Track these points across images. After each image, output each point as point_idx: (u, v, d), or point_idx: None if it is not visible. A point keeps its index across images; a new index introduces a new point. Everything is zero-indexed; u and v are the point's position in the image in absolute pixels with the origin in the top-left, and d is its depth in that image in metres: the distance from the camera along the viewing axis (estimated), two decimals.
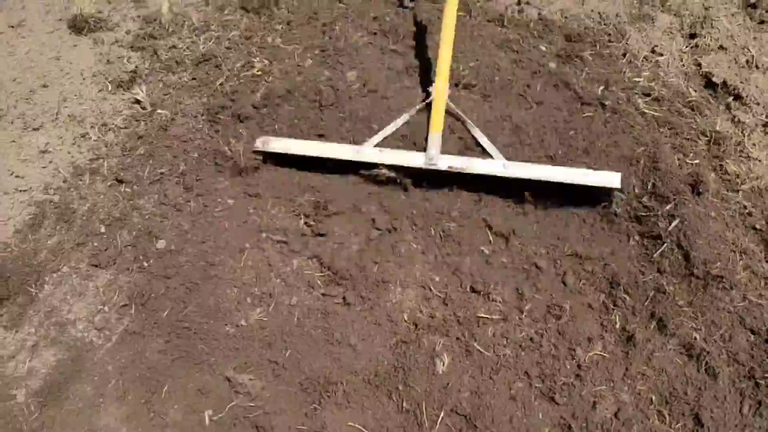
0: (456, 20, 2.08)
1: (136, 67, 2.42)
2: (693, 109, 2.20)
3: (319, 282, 1.98)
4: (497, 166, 1.95)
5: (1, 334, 1.92)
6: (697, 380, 1.77)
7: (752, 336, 1.83)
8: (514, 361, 1.84)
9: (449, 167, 1.94)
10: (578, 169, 1.94)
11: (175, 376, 1.86)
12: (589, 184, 1.91)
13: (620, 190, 1.94)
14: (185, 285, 1.97)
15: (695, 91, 2.26)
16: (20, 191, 2.15)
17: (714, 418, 1.71)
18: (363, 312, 1.92)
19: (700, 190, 1.99)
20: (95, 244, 2.06)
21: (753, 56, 2.35)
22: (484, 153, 2.02)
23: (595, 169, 1.96)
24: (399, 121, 2.07)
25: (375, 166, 2.02)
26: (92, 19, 2.53)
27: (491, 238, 2.02)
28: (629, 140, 2.08)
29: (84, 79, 2.41)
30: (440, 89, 2.01)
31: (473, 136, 2.05)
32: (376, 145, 2.03)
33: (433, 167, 1.95)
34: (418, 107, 2.09)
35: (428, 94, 2.06)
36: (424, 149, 1.99)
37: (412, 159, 1.97)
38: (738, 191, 2.04)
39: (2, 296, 1.95)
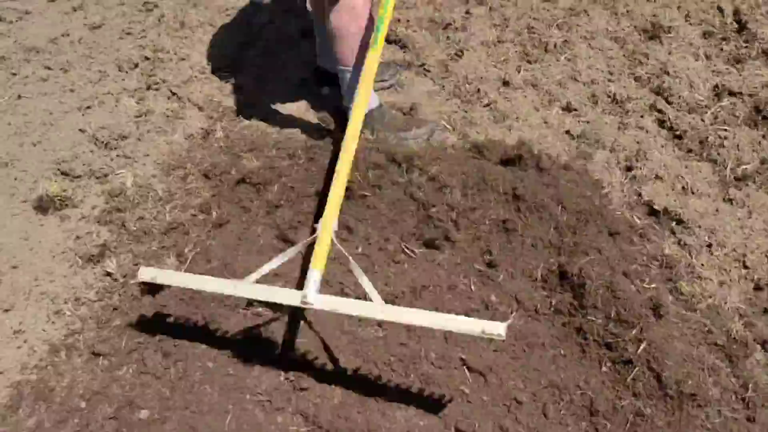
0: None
1: (105, 240, 2.62)
2: (641, 237, 2.52)
3: None
4: (373, 309, 1.98)
5: None
6: None
7: None
8: None
9: (322, 305, 1.99)
10: (462, 318, 1.93)
11: None
12: (474, 334, 1.87)
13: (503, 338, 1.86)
14: None
15: (640, 219, 2.59)
16: None
17: None
18: None
19: (661, 312, 2.26)
20: (76, 420, 2.14)
21: (687, 183, 2.72)
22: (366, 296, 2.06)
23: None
24: (285, 255, 2.16)
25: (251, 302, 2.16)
26: (57, 198, 2.74)
27: (469, 377, 2.23)
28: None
29: (54, 256, 2.60)
30: (327, 226, 2.13)
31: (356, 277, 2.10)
32: (257, 281, 2.10)
33: (307, 306, 2.01)
34: (305, 242, 2.21)
35: (315, 230, 2.16)
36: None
37: (288, 297, 2.04)
38: (696, 310, 2.31)
39: None
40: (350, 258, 2.12)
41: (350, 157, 2.29)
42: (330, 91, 3.00)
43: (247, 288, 2.09)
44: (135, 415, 2.14)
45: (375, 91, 2.84)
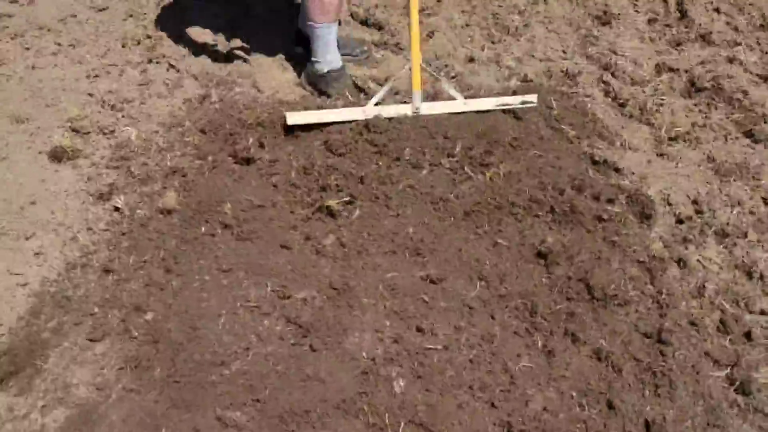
0: None
1: (113, 181, 3.02)
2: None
3: (289, 335, 2.54)
4: (459, 105, 2.98)
5: (14, 400, 2.36)
6: (606, 376, 2.39)
7: (646, 339, 2.48)
8: (458, 378, 2.42)
9: (429, 109, 2.93)
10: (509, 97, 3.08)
11: (170, 421, 2.33)
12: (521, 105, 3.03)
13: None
14: (172, 347, 2.47)
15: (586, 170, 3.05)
16: (20, 286, 2.65)
17: (623, 401, 2.31)
18: (328, 354, 2.49)
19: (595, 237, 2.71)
20: (90, 322, 2.55)
21: (626, 140, 3.20)
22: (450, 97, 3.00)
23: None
24: (388, 84, 3.02)
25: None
26: (69, 149, 3.18)
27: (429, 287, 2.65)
28: None
29: (68, 195, 3.00)
30: (415, 56, 2.91)
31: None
32: (375, 104, 2.93)
33: (418, 113, 2.92)
34: (400, 73, 3.04)
35: (407, 62, 2.96)
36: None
37: (403, 110, 2.93)
38: (626, 234, 2.77)
39: (12, 371, 2.41)
40: (437, 76, 3.11)
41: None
42: (303, 51, 3.52)
43: (371, 110, 2.94)
44: (142, 317, 2.54)
45: (342, 61, 3.40)
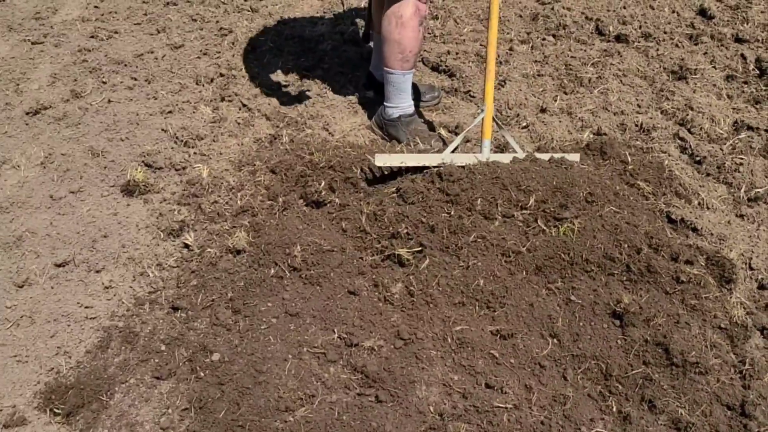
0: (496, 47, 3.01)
1: (184, 218, 3.07)
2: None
3: (355, 384, 2.51)
4: (520, 155, 2.93)
5: None
6: None
7: (728, 411, 2.38)
8: None
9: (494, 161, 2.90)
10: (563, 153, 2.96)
11: None
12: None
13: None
14: (238, 390, 2.46)
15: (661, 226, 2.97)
16: (89, 319, 2.68)
17: None
18: (394, 406, 2.44)
19: (673, 299, 2.63)
20: (156, 360, 2.56)
21: (703, 199, 3.11)
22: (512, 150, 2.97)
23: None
24: (463, 134, 3.04)
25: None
26: (142, 184, 3.23)
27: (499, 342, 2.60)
28: None
29: (139, 229, 3.04)
30: (488, 107, 2.92)
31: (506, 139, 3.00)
32: (452, 152, 2.95)
33: (488, 161, 2.88)
34: (475, 122, 3.00)
35: (481, 111, 2.97)
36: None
37: (477, 158, 2.92)
38: (705, 298, 2.68)
39: (78, 404, 2.42)
40: (502, 127, 3.06)
41: (494, 38, 3.03)
42: (374, 95, 3.59)
43: (448, 157, 2.93)
44: (207, 357, 2.53)
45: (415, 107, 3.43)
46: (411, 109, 3.36)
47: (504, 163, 2.94)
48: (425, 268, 2.72)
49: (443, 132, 3.44)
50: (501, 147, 3.30)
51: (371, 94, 3.60)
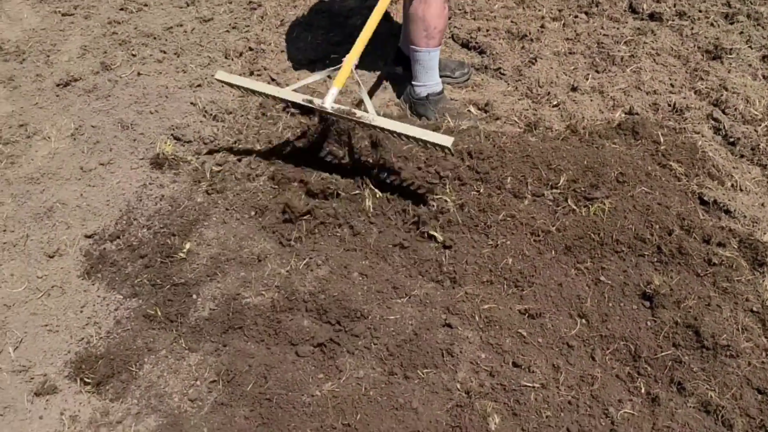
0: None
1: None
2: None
3: (383, 359, 2.51)
4: (367, 118, 2.69)
5: (109, 404, 2.38)
6: (715, 431, 2.27)
7: (759, 395, 2.35)
8: (555, 419, 2.34)
9: (333, 110, 2.73)
10: (425, 130, 2.65)
11: None
12: (433, 141, 2.60)
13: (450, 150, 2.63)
14: (265, 364, 2.49)
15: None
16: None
17: None
18: (421, 383, 2.44)
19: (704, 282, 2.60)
20: (185, 331, 2.60)
21: (737, 181, 3.06)
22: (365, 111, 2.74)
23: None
24: (316, 75, 2.96)
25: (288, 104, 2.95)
26: (171, 157, 3.24)
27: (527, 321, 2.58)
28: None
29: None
30: (350, 58, 2.85)
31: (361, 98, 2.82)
32: (295, 90, 2.85)
33: (323, 109, 2.75)
34: (333, 69, 2.93)
35: (341, 61, 2.88)
36: None
37: (313, 102, 2.77)
38: (738, 281, 2.64)
39: (108, 374, 2.45)
40: (360, 83, 2.89)
41: (381, 11, 2.98)
42: (403, 71, 3.55)
43: (286, 92, 2.83)
44: (240, 330, 2.54)
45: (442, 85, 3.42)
46: (439, 87, 3.32)
47: (350, 119, 2.79)
48: (454, 246, 2.69)
49: (473, 109, 3.41)
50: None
51: (400, 69, 3.57)
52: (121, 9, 4.11)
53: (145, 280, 2.66)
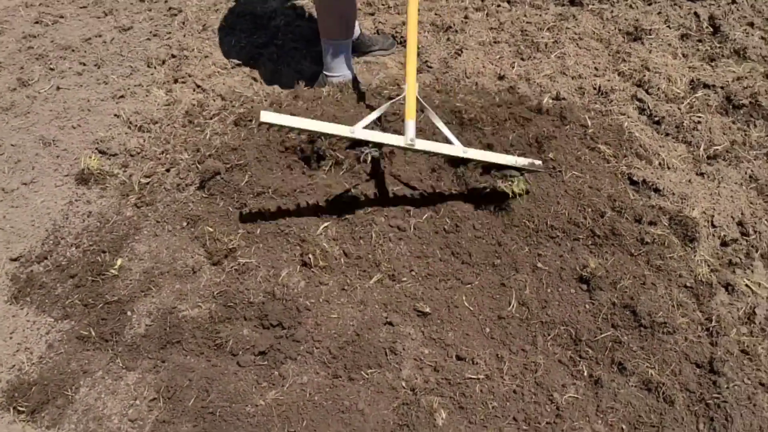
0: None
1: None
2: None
3: (326, 362, 2.46)
4: (457, 150, 2.59)
5: None
6: (657, 408, 2.30)
7: (697, 368, 2.39)
8: (501, 410, 2.33)
9: (422, 148, 2.56)
10: (515, 156, 2.68)
11: None
12: (525, 166, 2.67)
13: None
14: (206, 377, 2.42)
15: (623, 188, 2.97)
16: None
17: None
18: (366, 384, 2.40)
19: (638, 260, 2.63)
20: (121, 350, 2.51)
21: (664, 159, 3.11)
22: (447, 140, 2.64)
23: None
24: (380, 110, 2.69)
25: (363, 144, 2.67)
26: (96, 172, 3.13)
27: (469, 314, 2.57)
28: None
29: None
30: (410, 85, 2.63)
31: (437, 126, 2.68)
32: (364, 128, 2.56)
33: (411, 147, 2.53)
34: (394, 100, 2.76)
35: (402, 90, 2.70)
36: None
37: (395, 140, 2.54)
38: (670, 258, 2.68)
39: (42, 401, 2.34)
40: (430, 110, 2.70)
41: (415, 22, 2.78)
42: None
43: (360, 132, 2.51)
44: (178, 344, 2.46)
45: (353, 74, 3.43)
46: (350, 77, 3.32)
47: (439, 154, 2.66)
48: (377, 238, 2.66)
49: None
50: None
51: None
52: (36, 22, 3.97)
53: (77, 300, 2.55)
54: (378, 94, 3.23)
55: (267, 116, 2.42)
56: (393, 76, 3.56)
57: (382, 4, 4.13)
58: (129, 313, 2.54)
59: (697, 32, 3.82)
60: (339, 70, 3.31)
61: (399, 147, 2.58)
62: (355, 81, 3.37)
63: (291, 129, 2.55)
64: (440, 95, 3.16)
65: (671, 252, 2.60)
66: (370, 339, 2.42)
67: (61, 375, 2.38)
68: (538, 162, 2.71)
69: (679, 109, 3.32)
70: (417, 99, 2.66)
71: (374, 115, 2.65)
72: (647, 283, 2.50)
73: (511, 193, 2.69)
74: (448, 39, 3.85)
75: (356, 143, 2.78)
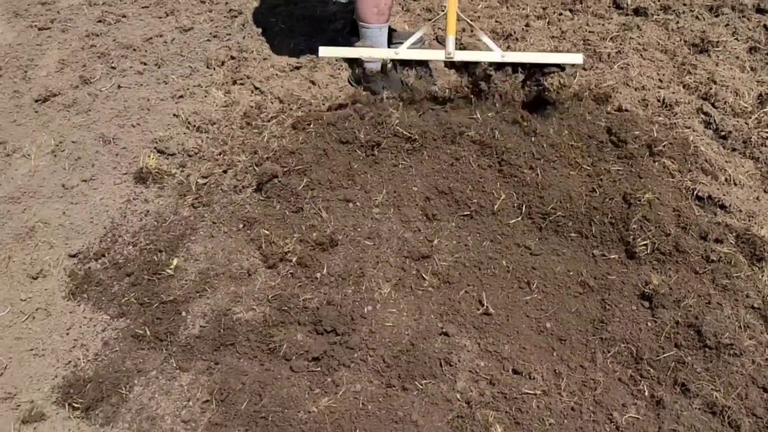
0: None
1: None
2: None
3: (380, 371, 2.44)
4: (496, 56, 2.80)
5: (99, 429, 2.27)
6: None
7: (765, 393, 2.30)
8: (559, 427, 2.28)
9: (461, 59, 2.82)
10: (552, 53, 2.91)
11: None
12: (564, 61, 2.86)
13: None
14: (259, 381, 2.42)
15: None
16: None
17: None
18: (420, 395, 2.37)
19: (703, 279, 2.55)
20: (176, 350, 2.52)
21: (730, 175, 3.01)
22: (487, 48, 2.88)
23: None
24: (424, 28, 2.99)
25: (409, 63, 2.90)
26: (155, 171, 3.16)
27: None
28: None
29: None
30: (452, 2, 2.85)
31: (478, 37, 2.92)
32: (409, 47, 2.87)
33: (450, 59, 2.80)
34: (437, 17, 3.07)
35: (444, 8, 2.91)
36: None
37: (436, 55, 2.85)
38: (737, 277, 2.60)
39: (97, 398, 2.36)
40: (472, 24, 3.03)
41: None
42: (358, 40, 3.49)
43: (405, 52, 2.87)
44: (231, 346, 2.47)
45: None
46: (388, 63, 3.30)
47: (480, 62, 2.89)
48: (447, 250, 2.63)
49: None
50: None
51: (356, 40, 3.51)
52: (99, 21, 4.03)
53: (133, 298, 2.57)
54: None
55: (324, 51, 2.97)
56: (452, 82, 3.52)
57: (441, 10, 4.09)
58: (184, 313, 2.54)
59: (766, 45, 3.70)
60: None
61: (440, 60, 2.86)
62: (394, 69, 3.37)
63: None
64: None
65: (738, 271, 2.52)
66: (424, 349, 2.39)
67: (116, 373, 2.38)
68: (578, 56, 2.85)
69: (747, 123, 3.22)
70: (457, 14, 2.88)
71: (416, 35, 2.96)
72: (712, 303, 2.42)
73: (558, 87, 2.86)
74: (508, 47, 3.80)
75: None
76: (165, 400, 2.32)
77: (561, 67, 2.89)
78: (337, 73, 3.64)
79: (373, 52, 2.95)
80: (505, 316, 2.48)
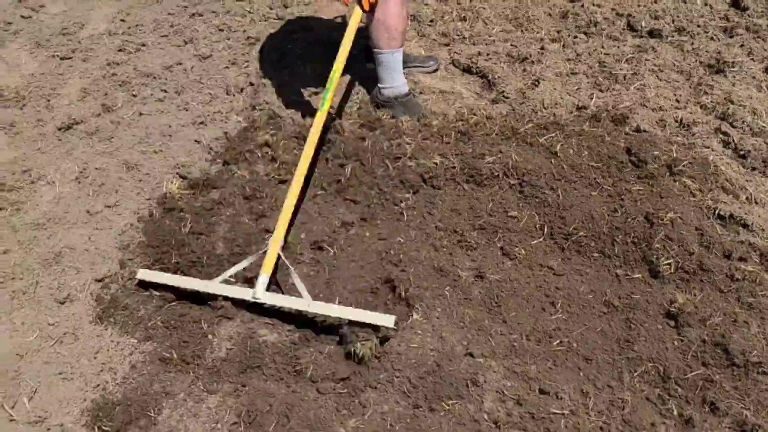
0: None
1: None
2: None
3: (406, 392, 2.45)
4: (303, 304, 2.51)
5: None
6: None
7: None
8: None
9: (267, 299, 2.55)
10: (364, 311, 2.48)
11: None
12: (374, 322, 2.45)
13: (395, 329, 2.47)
14: (287, 402, 2.43)
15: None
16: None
17: None
18: (447, 415, 2.38)
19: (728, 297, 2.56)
20: (202, 373, 2.55)
21: (751, 194, 3.03)
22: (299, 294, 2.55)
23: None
24: (244, 263, 2.68)
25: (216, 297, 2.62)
26: (178, 196, 3.20)
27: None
28: None
29: None
30: (275, 239, 2.66)
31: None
32: (224, 281, 2.62)
33: (257, 301, 2.54)
34: (258, 253, 2.70)
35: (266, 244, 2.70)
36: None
37: (243, 293, 2.57)
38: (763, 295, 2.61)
39: (126, 421, 2.38)
40: (290, 266, 2.65)
41: (301, 178, 2.85)
42: (374, 66, 3.55)
43: (214, 286, 2.60)
44: (258, 369, 2.49)
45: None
46: (405, 89, 3.44)
47: (276, 305, 2.62)
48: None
49: None
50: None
51: (372, 66, 3.56)
52: (120, 50, 4.11)
53: (159, 322, 2.60)
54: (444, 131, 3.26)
55: (143, 274, 2.72)
56: (469, 106, 3.56)
57: (457, 35, 4.15)
58: (210, 336, 2.56)
59: None
60: (390, 81, 3.42)
61: (247, 299, 2.58)
62: (410, 95, 3.47)
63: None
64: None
65: (764, 289, 2.53)
66: (450, 370, 2.41)
67: (144, 396, 2.40)
68: (390, 319, 2.45)
69: (766, 143, 3.25)
70: (278, 255, 2.66)
71: (233, 270, 2.67)
72: (739, 321, 2.43)
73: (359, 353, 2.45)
74: (524, 70, 3.85)
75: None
76: (193, 423, 2.33)
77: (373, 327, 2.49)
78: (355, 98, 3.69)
79: (189, 283, 2.67)
80: (530, 337, 2.48)
